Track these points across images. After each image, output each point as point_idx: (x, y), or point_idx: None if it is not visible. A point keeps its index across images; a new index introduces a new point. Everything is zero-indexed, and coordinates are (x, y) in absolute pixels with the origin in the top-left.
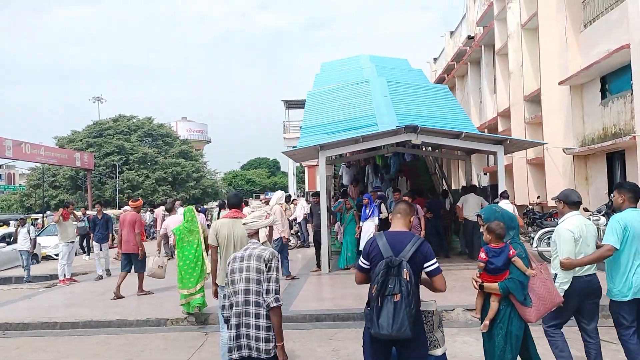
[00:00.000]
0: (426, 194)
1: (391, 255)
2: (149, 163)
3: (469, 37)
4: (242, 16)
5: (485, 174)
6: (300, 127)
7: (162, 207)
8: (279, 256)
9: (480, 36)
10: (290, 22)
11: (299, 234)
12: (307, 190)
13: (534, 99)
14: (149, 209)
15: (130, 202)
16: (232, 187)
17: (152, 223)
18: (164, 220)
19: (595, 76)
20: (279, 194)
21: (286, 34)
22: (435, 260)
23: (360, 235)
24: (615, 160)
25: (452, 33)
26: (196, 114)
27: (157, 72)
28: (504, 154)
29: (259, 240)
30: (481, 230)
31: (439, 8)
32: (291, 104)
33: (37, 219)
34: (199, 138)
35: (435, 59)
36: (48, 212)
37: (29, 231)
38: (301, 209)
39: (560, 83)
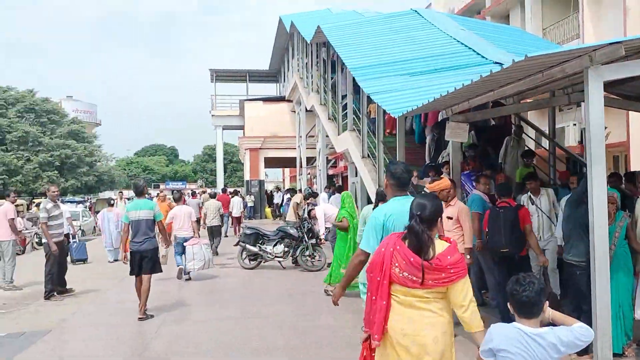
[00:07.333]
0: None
1: None
2: (31, 144)
3: None
4: None
5: None
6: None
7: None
8: None
9: None
10: (182, 6)
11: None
12: (248, 179)
13: None
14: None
15: None
16: (127, 174)
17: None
18: None
19: None
20: None
21: (176, 18)
22: None
23: None
24: None
25: None
26: (82, 95)
27: (33, 48)
28: None
29: None
30: None
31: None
32: (220, 75)
33: None
34: (87, 119)
35: None
36: None
37: None
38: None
39: None
